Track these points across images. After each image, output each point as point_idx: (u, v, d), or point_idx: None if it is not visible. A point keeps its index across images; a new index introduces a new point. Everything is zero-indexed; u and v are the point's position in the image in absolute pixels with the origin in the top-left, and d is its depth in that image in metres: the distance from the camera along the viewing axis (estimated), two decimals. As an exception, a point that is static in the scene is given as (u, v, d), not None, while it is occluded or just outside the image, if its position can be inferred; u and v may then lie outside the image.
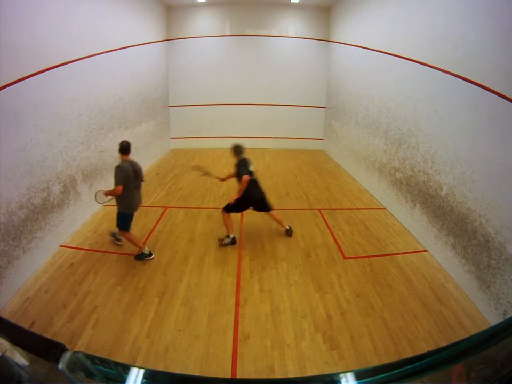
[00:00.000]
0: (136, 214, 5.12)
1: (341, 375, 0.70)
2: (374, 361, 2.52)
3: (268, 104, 9.82)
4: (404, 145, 4.87)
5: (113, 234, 4.26)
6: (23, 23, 3.46)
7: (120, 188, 3.53)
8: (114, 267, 3.68)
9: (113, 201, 3.82)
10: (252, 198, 4.13)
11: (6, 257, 3.18)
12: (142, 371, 0.72)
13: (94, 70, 5.05)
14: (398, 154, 5.10)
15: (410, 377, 0.68)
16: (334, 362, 2.51)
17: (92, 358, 0.72)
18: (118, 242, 4.18)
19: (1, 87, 3.13)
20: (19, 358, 0.72)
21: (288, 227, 4.49)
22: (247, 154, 4.24)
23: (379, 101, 5.82)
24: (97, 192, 3.83)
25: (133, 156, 6.60)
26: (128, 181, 3.62)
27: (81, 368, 0.67)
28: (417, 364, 0.68)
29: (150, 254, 3.86)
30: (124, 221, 3.81)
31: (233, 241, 4.17)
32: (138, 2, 7.11)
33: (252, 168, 4.15)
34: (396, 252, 4.12)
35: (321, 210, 5.41)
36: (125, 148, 3.68)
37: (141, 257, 3.82)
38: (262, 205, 4.29)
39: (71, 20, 4.40)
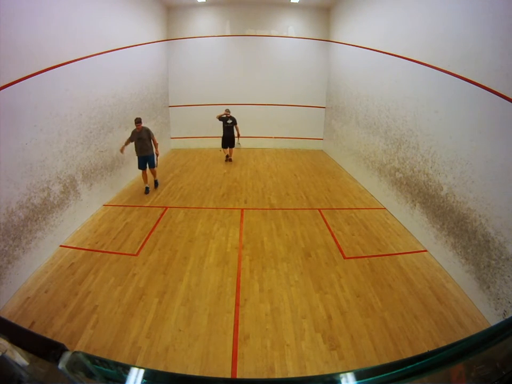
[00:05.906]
0: (136, 214, 5.15)
1: (341, 375, 0.70)
2: (374, 361, 2.52)
3: (267, 104, 9.82)
4: (404, 145, 4.87)
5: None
6: (23, 23, 3.46)
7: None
8: (114, 267, 3.68)
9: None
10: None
11: (6, 257, 3.18)
12: (142, 371, 0.72)
13: (94, 70, 5.05)
14: (398, 154, 5.10)
15: (410, 377, 0.67)
16: (334, 362, 2.51)
17: (92, 358, 0.72)
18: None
19: (1, 87, 3.13)
20: (19, 358, 0.72)
21: (230, 157, 7.76)
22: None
23: (379, 101, 5.82)
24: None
25: (133, 155, 6.57)
26: None
27: (81, 368, 0.67)
28: (417, 363, 0.68)
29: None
30: None
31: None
32: (138, 2, 7.11)
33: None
34: (396, 252, 4.12)
35: (321, 210, 5.41)
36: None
37: None
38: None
39: (71, 20, 4.40)
